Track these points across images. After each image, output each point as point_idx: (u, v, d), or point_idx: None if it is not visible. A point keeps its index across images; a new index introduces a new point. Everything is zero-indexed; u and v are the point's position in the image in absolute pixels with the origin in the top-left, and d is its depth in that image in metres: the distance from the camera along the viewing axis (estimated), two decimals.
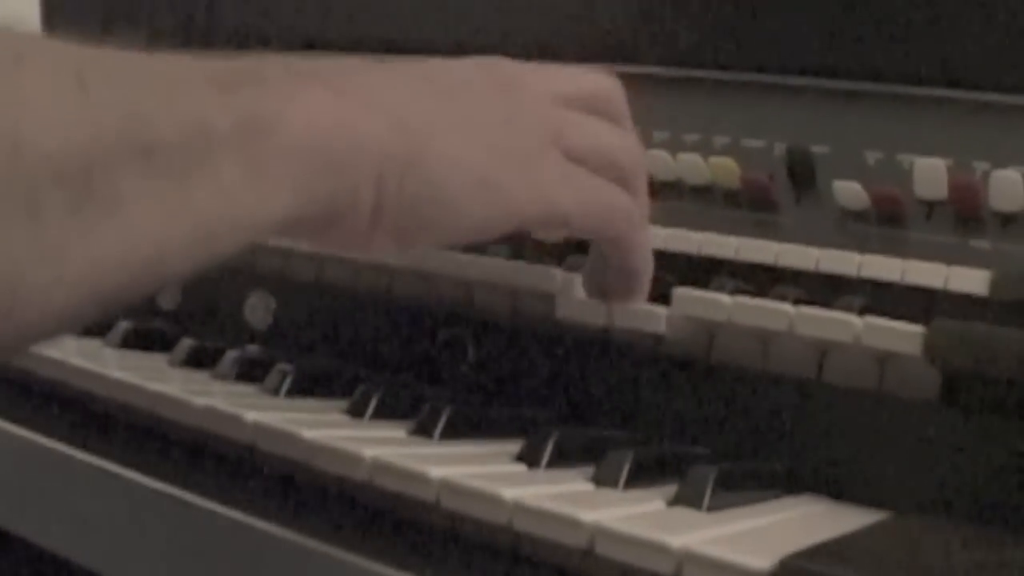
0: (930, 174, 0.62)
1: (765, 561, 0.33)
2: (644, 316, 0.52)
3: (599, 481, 0.42)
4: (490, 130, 0.45)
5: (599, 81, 0.53)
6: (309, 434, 0.42)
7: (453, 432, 0.46)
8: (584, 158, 0.48)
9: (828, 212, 0.69)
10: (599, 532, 0.35)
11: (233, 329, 0.67)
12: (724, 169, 0.67)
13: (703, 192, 0.70)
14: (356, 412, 0.49)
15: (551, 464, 0.43)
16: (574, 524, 0.35)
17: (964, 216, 0.62)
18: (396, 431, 0.47)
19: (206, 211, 0.35)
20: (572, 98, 0.50)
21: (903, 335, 0.45)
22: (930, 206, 0.65)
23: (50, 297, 0.32)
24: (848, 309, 0.51)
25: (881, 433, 0.48)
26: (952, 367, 0.45)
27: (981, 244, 0.63)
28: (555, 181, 0.46)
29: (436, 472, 0.39)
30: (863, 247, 0.66)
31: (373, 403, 0.49)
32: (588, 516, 0.35)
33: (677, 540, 0.34)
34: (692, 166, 0.67)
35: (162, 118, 0.34)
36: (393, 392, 0.50)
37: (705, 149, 0.71)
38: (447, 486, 0.38)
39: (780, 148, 0.73)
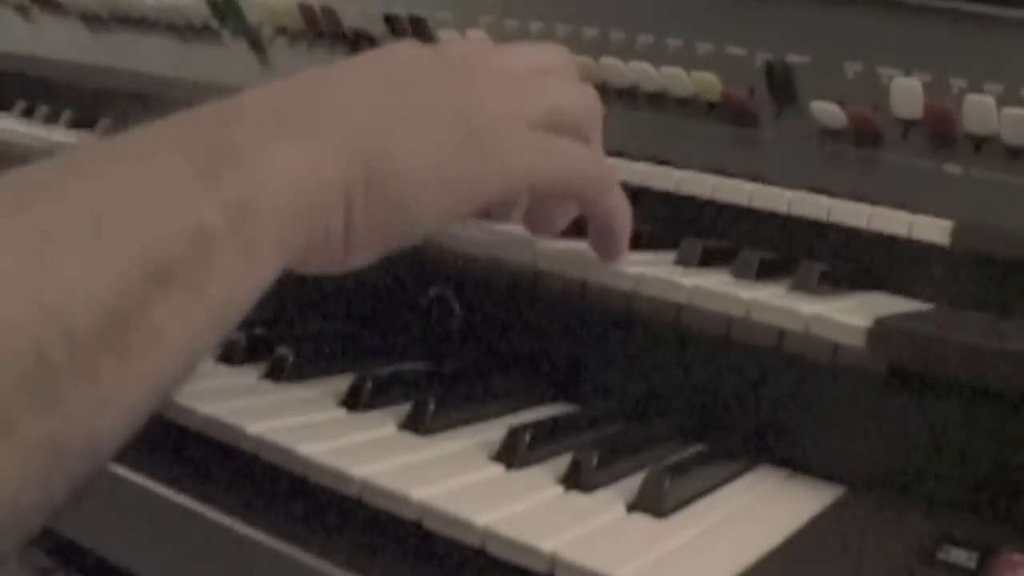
0: (907, 93, 0.64)
1: None
2: (612, 275, 0.55)
3: (567, 484, 0.47)
4: (448, 123, 0.47)
5: (546, 53, 0.55)
6: (304, 450, 0.48)
7: (441, 423, 0.52)
8: (543, 123, 0.50)
9: (807, 129, 0.71)
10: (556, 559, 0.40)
11: None
12: (706, 83, 0.69)
13: (687, 103, 0.73)
14: (351, 405, 0.54)
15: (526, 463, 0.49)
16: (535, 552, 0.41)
17: (939, 137, 0.63)
18: (387, 425, 0.52)
19: (218, 303, 0.39)
20: (524, 70, 0.52)
21: (849, 330, 0.49)
22: (906, 126, 0.67)
23: (106, 434, 0.36)
24: (804, 283, 0.54)
25: (833, 407, 0.52)
26: (895, 361, 0.48)
27: (954, 169, 0.66)
28: (517, 158, 0.49)
29: (416, 494, 0.44)
30: (839, 168, 0.68)
31: (366, 392, 0.54)
32: (547, 544, 0.41)
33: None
34: (675, 78, 0.69)
35: (170, 238, 0.38)
36: (384, 381, 0.55)
37: (688, 58, 0.72)
38: (425, 509, 0.44)
39: (762, 59, 0.75)
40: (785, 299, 0.52)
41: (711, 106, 0.72)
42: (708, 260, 0.59)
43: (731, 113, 0.71)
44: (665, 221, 0.66)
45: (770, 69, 0.69)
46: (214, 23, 0.98)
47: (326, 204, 0.43)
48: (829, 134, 0.68)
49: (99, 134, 0.87)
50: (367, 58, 0.50)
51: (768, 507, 0.49)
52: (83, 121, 0.92)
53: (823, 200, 0.61)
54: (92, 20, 1.09)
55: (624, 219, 0.55)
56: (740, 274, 0.56)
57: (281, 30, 0.93)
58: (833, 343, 0.49)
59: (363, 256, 0.46)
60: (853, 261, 0.60)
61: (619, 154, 0.66)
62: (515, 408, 0.57)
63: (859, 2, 0.73)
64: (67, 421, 0.35)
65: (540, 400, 0.59)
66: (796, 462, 0.54)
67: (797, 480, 0.53)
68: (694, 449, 0.53)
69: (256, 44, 0.96)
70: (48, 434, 0.34)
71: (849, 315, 0.50)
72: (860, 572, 0.43)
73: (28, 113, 0.98)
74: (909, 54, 0.70)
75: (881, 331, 0.48)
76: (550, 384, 0.60)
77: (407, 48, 0.50)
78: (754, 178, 0.65)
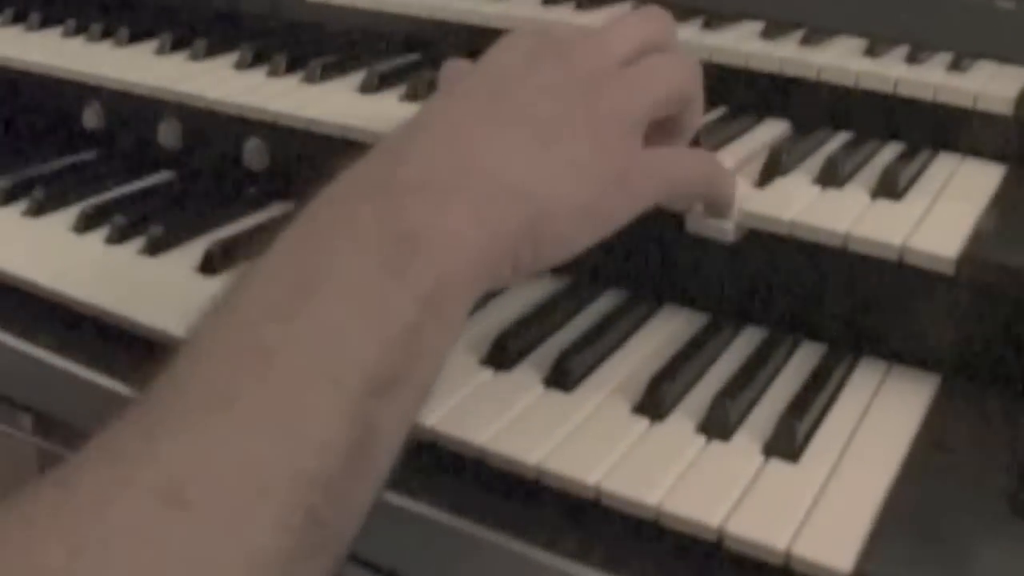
0: None
1: None
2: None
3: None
4: (590, 161, 0.50)
5: (644, 22, 0.58)
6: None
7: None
8: (657, 114, 0.55)
9: None
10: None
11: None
12: None
13: None
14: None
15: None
16: None
17: None
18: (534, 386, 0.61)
19: (427, 382, 0.45)
20: (629, 55, 0.55)
21: (939, 260, 0.56)
22: None
23: (350, 534, 0.43)
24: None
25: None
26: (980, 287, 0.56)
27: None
28: (644, 178, 0.53)
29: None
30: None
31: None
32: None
33: None
34: None
35: (385, 353, 0.42)
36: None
37: None
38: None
39: None
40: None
41: None
42: None
43: None
44: None
45: None
46: None
47: (499, 258, 0.47)
48: None
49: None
50: (491, 90, 0.52)
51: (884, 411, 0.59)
52: None
53: None
54: None
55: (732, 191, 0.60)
56: None
57: None
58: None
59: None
60: None
61: None
62: None
63: None
64: (330, 539, 0.42)
65: None
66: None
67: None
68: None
69: None
70: (315, 554, 0.41)
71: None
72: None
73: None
74: None
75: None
76: None
77: (526, 67, 0.53)
78: None
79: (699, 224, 0.61)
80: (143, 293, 0.69)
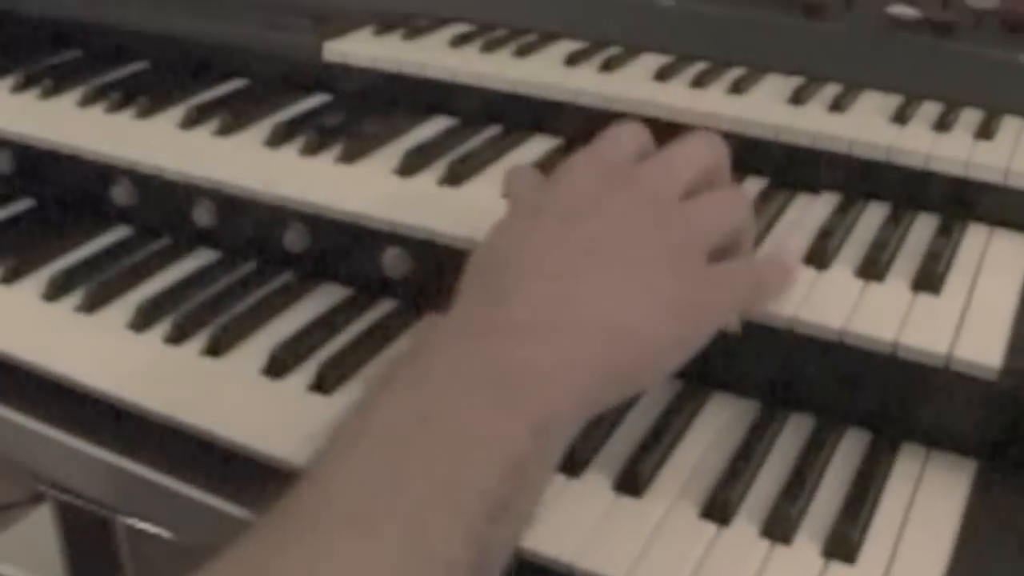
0: None
1: None
2: None
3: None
4: (667, 287, 0.56)
5: (706, 151, 0.63)
6: None
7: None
8: (719, 245, 0.60)
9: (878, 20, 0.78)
10: None
11: None
12: None
13: None
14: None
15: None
16: None
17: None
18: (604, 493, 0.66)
19: (530, 511, 0.50)
20: (693, 183, 0.61)
21: (983, 369, 0.61)
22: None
23: None
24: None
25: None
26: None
27: None
28: (723, 301, 0.59)
29: None
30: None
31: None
32: None
33: None
34: None
35: (505, 481, 0.47)
36: None
37: None
38: None
39: None
40: None
41: None
42: None
43: None
44: None
45: None
46: None
47: (600, 391, 0.53)
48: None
49: None
50: (570, 218, 0.57)
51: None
52: None
53: None
54: None
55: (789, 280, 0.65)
56: None
57: None
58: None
59: None
60: None
61: None
62: None
63: None
64: None
65: None
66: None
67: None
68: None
69: None
70: None
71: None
72: None
73: None
74: None
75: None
76: None
77: (600, 194, 0.58)
78: None
79: None
80: (217, 402, 0.72)
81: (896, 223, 0.74)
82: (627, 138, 0.63)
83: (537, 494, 0.51)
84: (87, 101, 0.97)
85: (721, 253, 0.61)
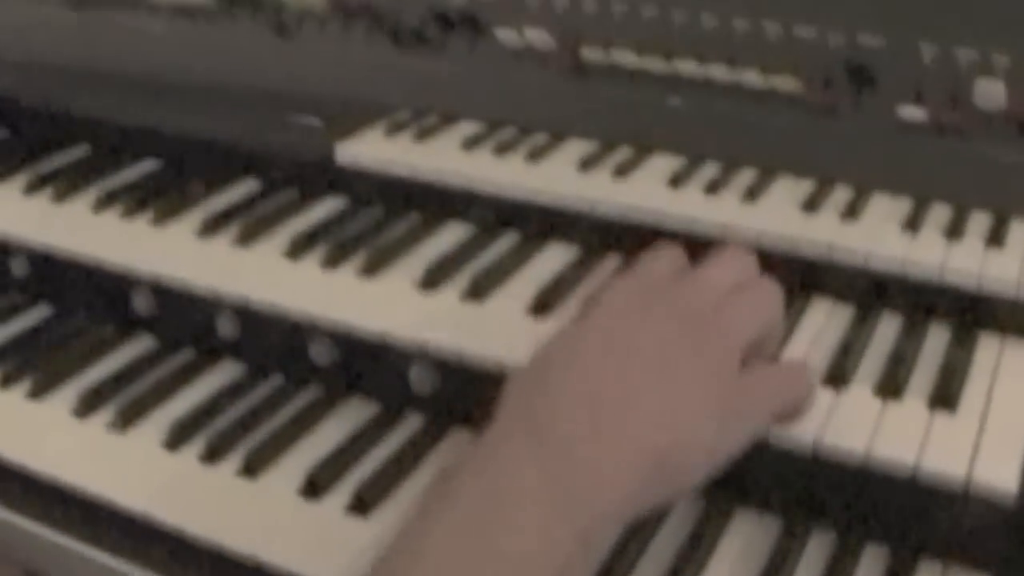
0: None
1: None
2: None
3: None
4: (708, 400, 0.60)
5: (737, 264, 0.68)
6: None
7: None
8: (752, 342, 0.65)
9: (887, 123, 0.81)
10: None
11: None
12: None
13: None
14: None
15: None
16: None
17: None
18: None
19: None
20: (729, 287, 0.66)
21: (1001, 495, 0.64)
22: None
23: None
24: None
25: None
26: None
27: None
28: (756, 411, 0.63)
29: None
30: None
31: None
32: None
33: None
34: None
35: None
36: None
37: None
38: None
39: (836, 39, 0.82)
40: None
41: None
42: None
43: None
44: None
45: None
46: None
47: (642, 497, 0.58)
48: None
49: None
50: (614, 336, 0.62)
51: None
52: None
53: None
54: None
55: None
56: None
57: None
58: None
59: None
60: None
61: None
62: None
63: None
64: None
65: None
66: None
67: None
68: None
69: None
70: None
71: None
72: None
73: None
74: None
75: None
76: None
77: (641, 312, 0.63)
78: None
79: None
80: (258, 525, 0.75)
81: (910, 334, 0.77)
82: (665, 262, 0.68)
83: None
84: (101, 205, 1.00)
85: (753, 348, 0.65)
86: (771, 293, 0.67)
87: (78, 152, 1.13)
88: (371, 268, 0.87)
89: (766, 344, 0.67)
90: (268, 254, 0.91)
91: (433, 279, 0.85)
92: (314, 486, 0.77)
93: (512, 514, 0.54)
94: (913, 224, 0.81)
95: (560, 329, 0.66)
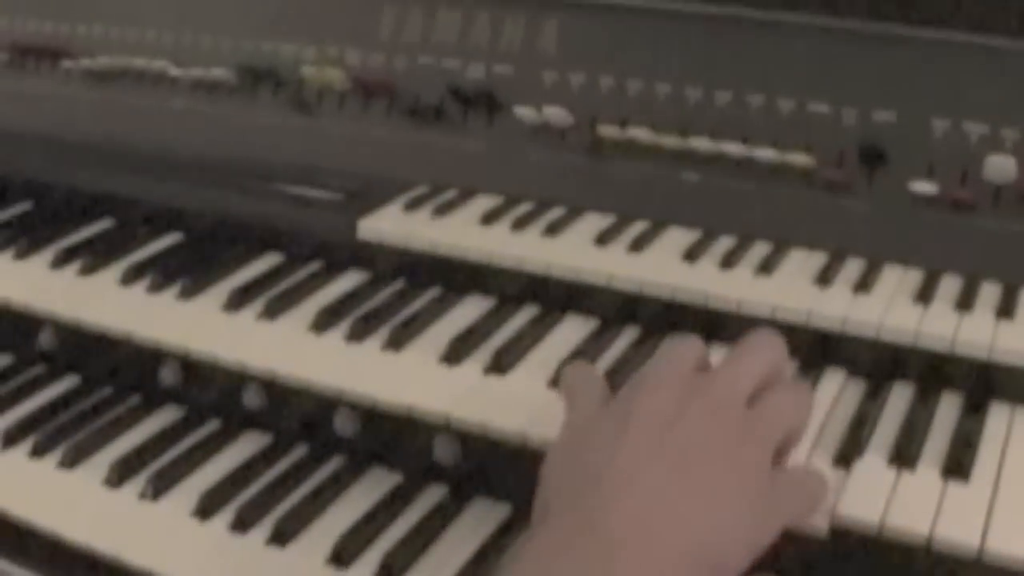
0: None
1: None
2: None
3: None
4: (745, 501, 0.64)
5: (768, 351, 0.71)
6: None
7: None
8: (782, 441, 0.68)
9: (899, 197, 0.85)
10: None
11: None
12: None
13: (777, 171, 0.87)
14: None
15: None
16: None
17: None
18: None
19: None
20: (758, 387, 0.69)
21: (1014, 561, 0.67)
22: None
23: None
24: None
25: None
26: None
27: None
28: (783, 510, 0.67)
29: None
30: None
31: None
32: None
33: None
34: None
35: None
36: None
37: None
38: None
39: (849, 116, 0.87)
40: None
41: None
42: None
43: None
44: None
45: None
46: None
47: None
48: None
49: None
50: (651, 439, 0.65)
51: None
52: None
53: None
54: None
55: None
56: None
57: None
58: None
59: None
60: None
61: None
62: None
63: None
64: None
65: None
66: None
67: None
68: None
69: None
70: None
71: None
72: None
73: None
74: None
75: None
76: None
77: (676, 414, 0.66)
78: None
79: None
80: None
81: (922, 404, 0.81)
82: (688, 353, 0.71)
83: None
84: (127, 280, 1.04)
85: (782, 445, 0.69)
86: (803, 395, 0.71)
87: (102, 226, 1.18)
88: (395, 342, 0.91)
89: (792, 442, 0.70)
90: (294, 328, 0.95)
91: (456, 353, 0.89)
92: (342, 556, 0.81)
93: None
94: (924, 296, 0.85)
95: (583, 406, 0.70)
